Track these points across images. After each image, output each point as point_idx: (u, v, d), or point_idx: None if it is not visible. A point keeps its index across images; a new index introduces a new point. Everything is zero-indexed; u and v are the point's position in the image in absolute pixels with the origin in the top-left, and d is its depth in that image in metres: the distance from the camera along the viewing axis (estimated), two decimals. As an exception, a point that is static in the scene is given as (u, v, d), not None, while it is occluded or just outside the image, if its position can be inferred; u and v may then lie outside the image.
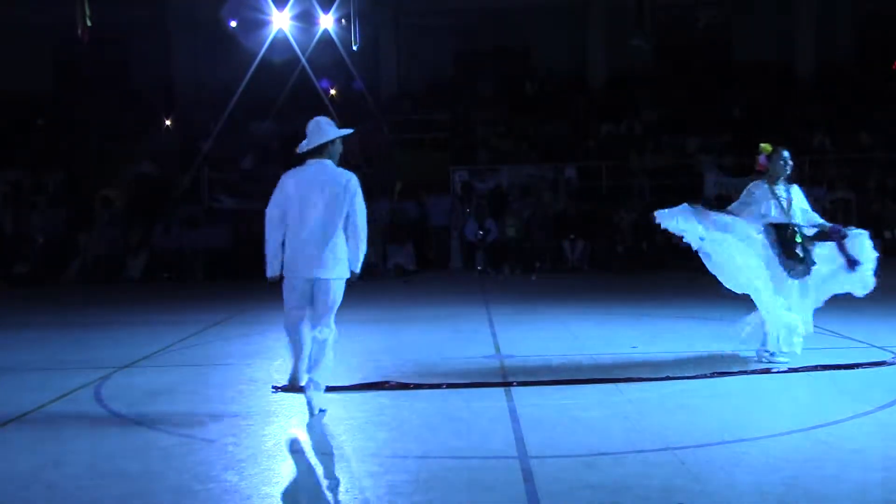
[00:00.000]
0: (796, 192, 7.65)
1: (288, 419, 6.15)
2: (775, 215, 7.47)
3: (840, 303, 11.18)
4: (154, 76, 23.73)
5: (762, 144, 7.67)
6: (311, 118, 6.55)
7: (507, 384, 6.87)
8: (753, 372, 7.11)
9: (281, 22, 18.07)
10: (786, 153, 7.56)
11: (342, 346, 8.98)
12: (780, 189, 7.56)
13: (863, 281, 7.60)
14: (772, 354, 7.42)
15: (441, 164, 19.88)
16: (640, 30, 17.30)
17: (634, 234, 17.08)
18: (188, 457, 5.17)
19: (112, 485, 4.71)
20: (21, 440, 5.67)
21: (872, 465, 4.69)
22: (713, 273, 7.66)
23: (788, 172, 7.59)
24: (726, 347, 8.23)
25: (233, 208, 18.76)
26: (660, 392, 6.56)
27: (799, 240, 7.46)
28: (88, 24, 12.00)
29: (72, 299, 14.43)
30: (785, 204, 7.50)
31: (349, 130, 6.51)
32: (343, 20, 13.56)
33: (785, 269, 7.43)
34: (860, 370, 7.16)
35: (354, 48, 13.98)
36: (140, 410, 6.31)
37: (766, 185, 7.58)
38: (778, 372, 7.09)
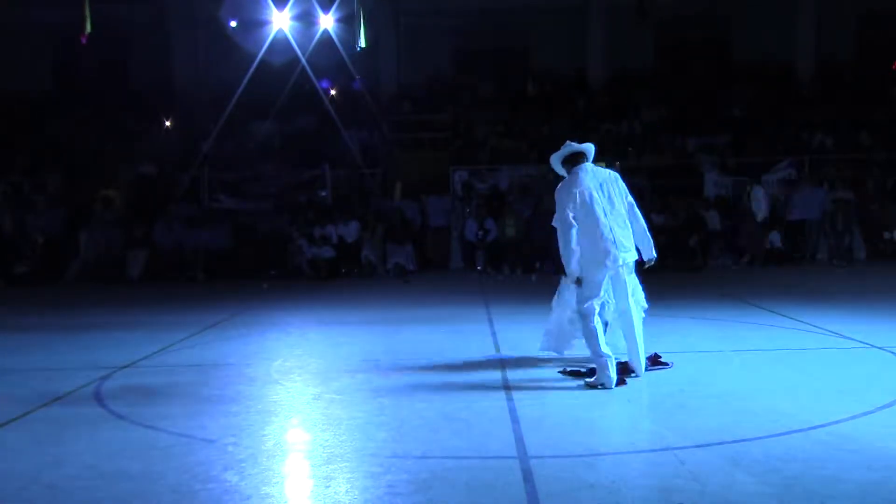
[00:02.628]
0: None
1: (288, 419, 6.16)
2: None
3: (840, 302, 11.25)
4: (154, 76, 23.73)
5: None
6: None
7: (507, 384, 6.87)
8: (752, 371, 7.11)
9: (281, 22, 18.06)
10: None
11: (342, 347, 9.01)
12: None
13: None
14: None
15: (441, 164, 19.88)
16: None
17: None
18: (188, 457, 5.17)
19: (112, 485, 4.71)
20: (21, 440, 5.67)
21: (873, 465, 4.69)
22: None
23: None
24: (726, 347, 8.25)
25: (233, 208, 18.77)
26: (660, 392, 6.56)
27: None
28: (89, 29, 12.01)
29: (72, 299, 14.42)
30: None
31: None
32: (352, 19, 13.49)
33: None
34: (861, 371, 7.18)
35: (359, 48, 13.97)
36: (140, 410, 6.31)
37: None
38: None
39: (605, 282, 6.78)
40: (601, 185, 6.78)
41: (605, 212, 6.70)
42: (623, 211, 6.78)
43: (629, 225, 6.80)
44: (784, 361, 7.64)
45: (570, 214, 6.72)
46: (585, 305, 6.78)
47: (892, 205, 17.62)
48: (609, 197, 6.75)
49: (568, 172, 6.97)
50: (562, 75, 23.77)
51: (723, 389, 6.60)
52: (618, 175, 6.88)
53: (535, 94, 23.25)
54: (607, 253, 6.65)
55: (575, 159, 6.95)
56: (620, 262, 6.69)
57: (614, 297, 6.94)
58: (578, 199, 6.70)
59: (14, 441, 5.66)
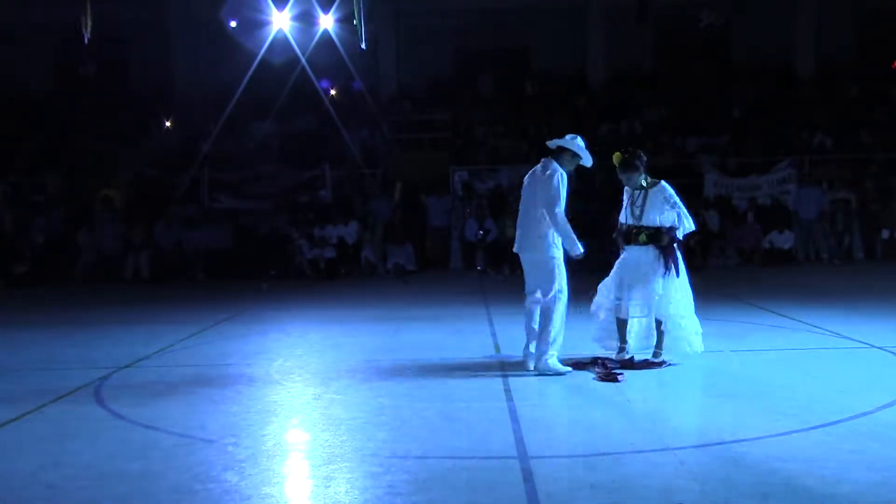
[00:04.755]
0: None
1: (288, 419, 6.16)
2: None
3: (840, 302, 11.25)
4: (154, 76, 23.73)
5: None
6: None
7: (507, 384, 6.86)
8: (752, 371, 7.10)
9: (281, 22, 18.06)
10: None
11: (342, 347, 9.00)
12: None
13: None
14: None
15: (441, 164, 19.87)
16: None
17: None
18: (188, 457, 5.17)
19: (112, 485, 4.71)
20: (21, 440, 5.67)
21: (872, 465, 4.69)
22: None
23: None
24: (726, 347, 8.25)
25: (233, 208, 18.77)
26: (660, 392, 6.56)
27: None
28: (90, 29, 11.99)
29: (72, 299, 14.42)
30: None
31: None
32: (353, 20, 13.40)
33: None
34: (861, 371, 7.18)
35: (363, 47, 13.92)
36: (140, 410, 6.31)
37: None
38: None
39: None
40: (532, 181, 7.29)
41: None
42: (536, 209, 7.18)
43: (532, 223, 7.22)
44: (784, 361, 7.64)
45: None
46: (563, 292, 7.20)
47: (892, 204, 17.61)
48: (531, 194, 7.26)
49: (566, 165, 7.34)
50: (562, 75, 23.76)
51: (722, 389, 6.60)
52: (551, 174, 7.14)
53: (535, 94, 23.24)
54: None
55: (553, 153, 7.37)
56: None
57: None
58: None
59: (14, 441, 5.66)
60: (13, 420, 6.13)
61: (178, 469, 4.94)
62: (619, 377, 6.83)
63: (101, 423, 6.03)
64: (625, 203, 7.66)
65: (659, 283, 7.30)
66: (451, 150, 21.04)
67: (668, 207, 7.40)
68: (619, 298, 7.39)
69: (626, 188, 7.69)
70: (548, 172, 7.18)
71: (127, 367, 8.03)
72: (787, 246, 17.21)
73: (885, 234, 17.26)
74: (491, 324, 10.17)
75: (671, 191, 7.48)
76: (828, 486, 4.38)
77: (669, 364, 7.34)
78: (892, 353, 7.78)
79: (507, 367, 7.54)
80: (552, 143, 7.39)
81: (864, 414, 5.72)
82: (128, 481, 4.76)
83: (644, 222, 7.41)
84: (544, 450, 5.11)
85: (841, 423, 5.54)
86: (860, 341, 8.37)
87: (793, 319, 9.84)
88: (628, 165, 7.51)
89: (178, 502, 4.45)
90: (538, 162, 7.47)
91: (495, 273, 16.72)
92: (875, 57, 22.78)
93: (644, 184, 7.50)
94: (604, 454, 5.02)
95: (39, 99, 22.90)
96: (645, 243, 7.35)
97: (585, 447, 5.19)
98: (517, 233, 7.46)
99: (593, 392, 6.57)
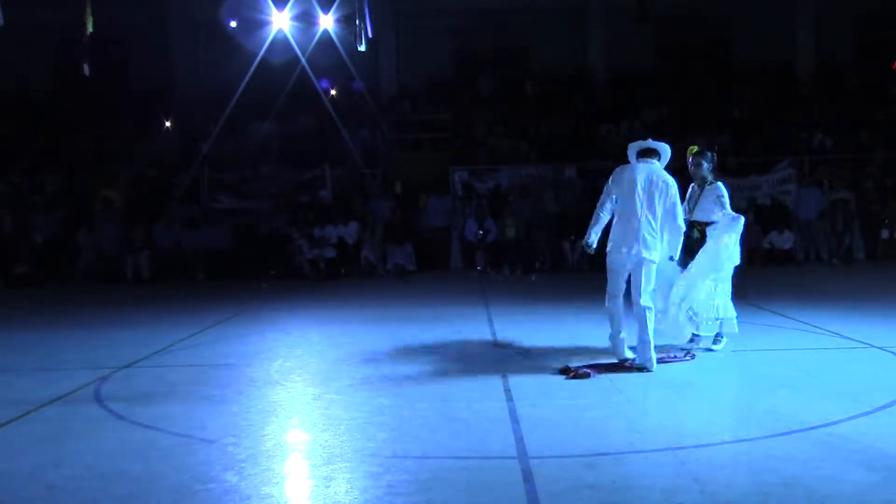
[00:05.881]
0: None
1: (288, 419, 6.15)
2: None
3: (840, 302, 11.25)
4: (154, 76, 23.72)
5: None
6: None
7: (507, 384, 6.86)
8: (752, 371, 7.10)
9: (281, 22, 18.07)
10: None
11: (342, 347, 9.00)
12: None
13: None
14: None
15: (441, 164, 19.88)
16: None
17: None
18: (188, 457, 5.17)
19: (112, 485, 4.71)
20: (21, 440, 5.67)
21: (872, 465, 4.69)
22: None
23: None
24: (726, 347, 8.25)
25: (233, 208, 18.77)
26: (660, 392, 6.56)
27: None
28: (91, 29, 11.95)
29: (72, 299, 14.42)
30: None
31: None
32: (355, 20, 13.38)
33: None
34: (861, 371, 7.17)
35: (363, 48, 13.88)
36: (140, 410, 6.31)
37: None
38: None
39: (623, 271, 7.35)
40: (648, 183, 7.21)
41: (643, 206, 7.18)
42: (660, 213, 7.20)
43: (661, 227, 7.23)
44: (784, 361, 7.64)
45: (608, 197, 7.36)
46: (608, 288, 7.41)
47: (892, 204, 17.61)
48: (651, 196, 7.19)
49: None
50: (562, 75, 23.77)
51: (723, 389, 6.60)
52: (669, 182, 7.25)
53: (535, 94, 23.25)
54: (629, 245, 7.20)
55: (645, 154, 7.43)
56: (637, 256, 7.20)
57: (632, 290, 7.40)
58: (626, 188, 7.24)
59: (14, 441, 5.66)
60: (13, 420, 6.13)
61: (178, 469, 4.94)
62: (592, 374, 7.05)
63: (101, 423, 6.03)
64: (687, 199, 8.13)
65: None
66: (451, 150, 21.05)
67: (717, 208, 7.86)
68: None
69: (690, 187, 8.14)
70: (667, 180, 7.25)
71: (127, 367, 8.03)
72: (787, 246, 17.21)
73: (885, 234, 17.25)
74: (491, 324, 10.16)
75: (724, 191, 7.96)
76: (828, 486, 4.38)
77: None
78: (892, 353, 7.78)
79: (507, 367, 7.53)
80: (651, 145, 7.44)
81: (865, 414, 5.72)
82: (128, 481, 4.76)
83: (695, 217, 7.93)
84: (544, 450, 5.11)
85: (841, 422, 5.53)
86: (860, 341, 8.37)
87: (793, 319, 9.84)
88: (699, 154, 8.03)
89: (178, 502, 4.45)
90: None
91: (495, 273, 16.73)
92: (875, 57, 22.79)
93: (707, 179, 7.98)
94: (604, 454, 5.02)
95: (39, 99, 22.89)
96: (697, 239, 7.80)
97: (585, 447, 5.19)
98: (618, 232, 7.34)
99: (593, 392, 6.56)
